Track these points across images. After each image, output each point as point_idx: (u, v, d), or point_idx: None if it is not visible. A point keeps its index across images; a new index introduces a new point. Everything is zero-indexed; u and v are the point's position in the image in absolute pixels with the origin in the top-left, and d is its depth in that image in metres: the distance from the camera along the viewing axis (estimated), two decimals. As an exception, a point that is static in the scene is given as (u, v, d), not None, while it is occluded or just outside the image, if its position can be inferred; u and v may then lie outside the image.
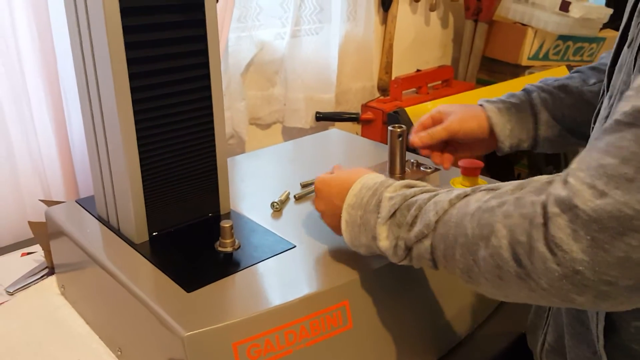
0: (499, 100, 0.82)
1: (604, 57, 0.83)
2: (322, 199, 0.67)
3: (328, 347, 0.62)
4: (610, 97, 0.59)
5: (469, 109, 0.81)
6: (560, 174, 0.46)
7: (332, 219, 0.66)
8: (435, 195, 0.55)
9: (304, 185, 0.83)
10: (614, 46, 0.62)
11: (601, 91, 0.67)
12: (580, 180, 0.42)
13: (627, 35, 0.58)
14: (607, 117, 0.58)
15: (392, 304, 0.68)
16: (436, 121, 0.81)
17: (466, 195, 0.52)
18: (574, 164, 0.45)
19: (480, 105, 0.81)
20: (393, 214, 0.57)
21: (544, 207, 0.44)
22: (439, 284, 0.73)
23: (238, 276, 0.64)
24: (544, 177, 0.48)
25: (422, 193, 0.57)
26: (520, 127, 0.81)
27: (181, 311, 0.58)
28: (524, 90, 0.82)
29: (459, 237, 0.50)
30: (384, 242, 0.58)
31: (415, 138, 0.80)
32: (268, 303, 0.60)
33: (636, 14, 0.56)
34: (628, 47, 0.56)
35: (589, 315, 0.58)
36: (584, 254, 0.41)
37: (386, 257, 0.59)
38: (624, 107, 0.43)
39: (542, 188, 0.46)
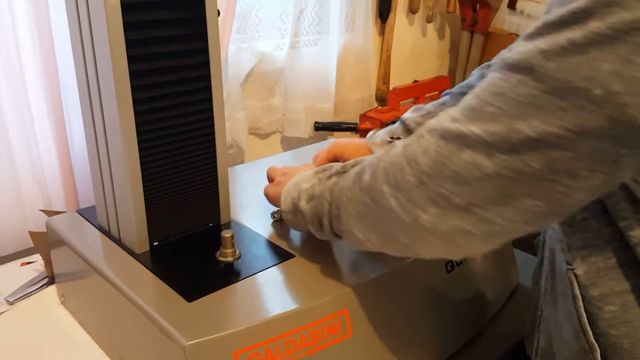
0: (382, 141, 0.88)
1: (474, 75, 0.89)
2: (281, 172, 0.76)
3: (328, 355, 0.62)
4: None
5: (359, 149, 0.89)
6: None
7: (274, 189, 0.73)
8: (342, 166, 0.64)
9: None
10: None
11: None
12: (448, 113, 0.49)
13: None
14: None
15: (391, 313, 0.69)
16: (332, 161, 0.89)
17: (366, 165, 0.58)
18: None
19: (368, 146, 0.89)
20: (312, 185, 0.65)
21: (439, 129, 0.49)
22: (438, 293, 0.74)
23: (239, 286, 0.65)
24: None
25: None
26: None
27: (182, 320, 0.59)
28: (405, 126, 0.88)
29: (355, 188, 0.57)
30: (303, 203, 0.64)
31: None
32: (268, 312, 0.60)
33: None
34: None
35: (571, 311, 0.59)
36: (429, 167, 0.48)
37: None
38: (505, 56, 0.47)
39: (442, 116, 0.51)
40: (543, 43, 0.42)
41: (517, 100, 0.43)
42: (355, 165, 0.61)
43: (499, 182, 0.45)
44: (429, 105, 0.89)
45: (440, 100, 0.89)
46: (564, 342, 0.60)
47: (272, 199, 0.75)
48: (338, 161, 0.83)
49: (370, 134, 0.90)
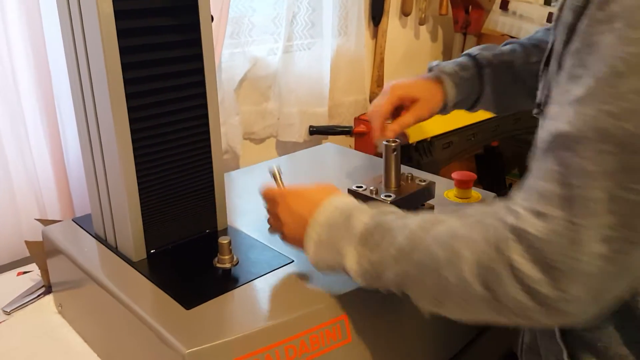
0: (455, 72, 0.82)
1: (540, 32, 0.87)
2: (290, 210, 0.65)
3: (328, 361, 0.62)
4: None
5: (430, 90, 0.81)
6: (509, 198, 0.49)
7: (295, 231, 0.65)
8: (404, 219, 0.56)
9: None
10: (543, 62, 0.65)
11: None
12: (522, 206, 0.45)
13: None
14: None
15: (390, 317, 0.69)
16: (396, 107, 0.82)
17: (435, 219, 0.53)
18: (514, 190, 0.48)
19: (439, 77, 0.82)
20: (363, 236, 0.57)
21: (502, 232, 0.46)
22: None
23: (237, 292, 0.65)
24: (500, 201, 0.50)
25: (393, 215, 0.58)
26: (466, 98, 0.84)
27: (181, 328, 0.58)
28: (476, 62, 0.84)
29: (427, 261, 0.51)
30: (351, 263, 0.58)
31: (389, 132, 0.79)
32: (267, 318, 0.60)
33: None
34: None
35: None
36: (543, 274, 0.44)
37: (351, 279, 0.59)
38: (542, 134, 0.47)
39: (498, 212, 0.48)
40: (604, 104, 0.42)
41: (605, 172, 0.42)
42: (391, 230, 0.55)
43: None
44: (500, 46, 0.86)
45: (506, 46, 0.86)
46: (547, 338, 0.61)
47: (291, 243, 0.67)
48: (402, 106, 0.80)
49: (431, 64, 0.85)
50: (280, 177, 0.71)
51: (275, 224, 0.68)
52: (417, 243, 0.53)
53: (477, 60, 0.83)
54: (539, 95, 0.60)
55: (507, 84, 0.84)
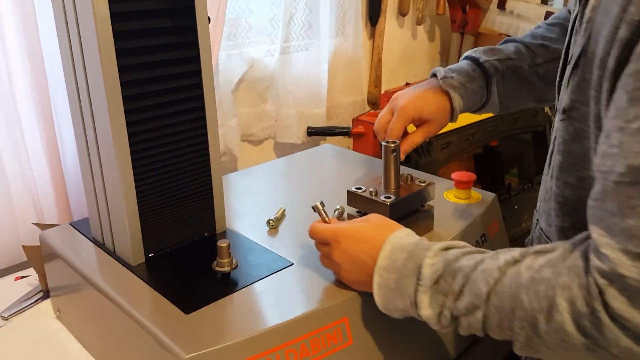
0: (462, 85, 0.81)
1: (541, 27, 0.85)
2: (348, 255, 0.62)
3: (329, 364, 0.62)
4: (559, 112, 0.62)
5: (439, 108, 0.81)
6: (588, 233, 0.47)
7: (356, 275, 0.63)
8: (481, 262, 0.53)
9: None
10: (561, 62, 0.65)
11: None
12: (612, 247, 0.43)
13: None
14: (558, 129, 0.61)
15: (391, 320, 0.68)
16: (408, 123, 0.82)
17: (516, 262, 0.51)
18: (594, 231, 0.45)
19: (446, 91, 0.80)
20: (436, 281, 0.55)
21: (594, 278, 0.44)
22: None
23: (236, 296, 0.64)
24: (585, 236, 0.48)
25: (464, 256, 0.55)
26: (472, 106, 0.84)
27: (180, 333, 0.58)
28: (483, 70, 0.82)
29: (516, 309, 0.49)
30: (427, 311, 0.55)
31: (401, 155, 0.79)
32: (267, 322, 0.60)
33: (574, 32, 0.58)
34: (568, 64, 0.59)
35: None
36: None
37: (427, 323, 0.57)
38: (615, 166, 0.44)
39: (589, 251, 0.46)
40: None
41: None
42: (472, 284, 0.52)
43: None
44: (504, 48, 0.84)
45: (510, 47, 0.84)
46: None
47: (352, 286, 0.65)
48: (416, 122, 0.80)
49: (438, 72, 0.82)
50: (324, 211, 0.68)
51: (330, 265, 0.66)
52: (500, 290, 0.50)
53: (484, 68, 0.82)
54: (565, 99, 0.57)
55: (514, 89, 0.84)
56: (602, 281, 0.44)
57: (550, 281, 0.47)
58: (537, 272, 0.49)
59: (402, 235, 0.61)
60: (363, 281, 0.62)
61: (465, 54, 0.85)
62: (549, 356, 0.50)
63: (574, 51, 0.57)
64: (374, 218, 0.65)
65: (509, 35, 1.86)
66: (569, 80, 0.57)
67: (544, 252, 0.50)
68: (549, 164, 0.65)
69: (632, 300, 0.42)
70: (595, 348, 0.45)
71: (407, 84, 1.72)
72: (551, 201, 0.63)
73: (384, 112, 0.82)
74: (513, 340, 0.52)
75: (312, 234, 0.66)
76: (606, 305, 0.43)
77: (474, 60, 0.83)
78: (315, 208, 0.68)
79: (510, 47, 0.84)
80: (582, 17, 0.55)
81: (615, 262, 0.43)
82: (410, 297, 0.56)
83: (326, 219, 0.68)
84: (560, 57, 0.82)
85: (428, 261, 0.56)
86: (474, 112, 0.86)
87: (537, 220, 0.70)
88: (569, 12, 0.83)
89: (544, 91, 0.84)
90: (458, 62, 0.86)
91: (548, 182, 0.65)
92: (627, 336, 0.43)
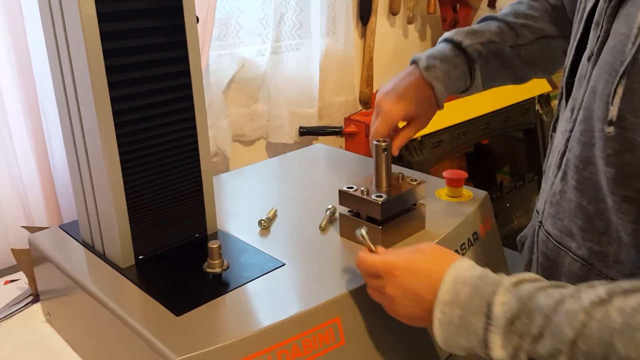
0: (445, 74, 0.78)
1: (523, 3, 0.83)
2: (404, 289, 0.58)
3: (321, 365, 0.61)
4: (572, 110, 0.60)
5: (424, 102, 0.79)
6: None
7: (412, 311, 0.58)
8: (561, 302, 0.48)
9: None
10: (571, 55, 0.63)
11: (560, 101, 0.68)
12: None
13: (585, 45, 0.59)
14: (571, 130, 0.59)
15: (383, 319, 0.68)
16: (395, 126, 0.80)
17: (602, 301, 0.47)
18: None
19: (429, 83, 0.78)
20: (511, 322, 0.50)
21: None
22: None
23: (228, 297, 0.64)
24: None
25: (539, 292, 0.50)
26: (454, 91, 0.82)
27: (171, 335, 0.57)
28: (466, 56, 0.80)
29: (609, 356, 0.45)
30: (499, 352, 0.50)
31: (394, 150, 0.80)
32: (259, 323, 0.59)
33: (593, 26, 0.57)
34: (588, 60, 0.57)
35: None
36: None
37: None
38: None
39: None
40: None
41: None
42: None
43: None
44: (485, 28, 0.81)
45: (492, 26, 0.82)
46: None
47: (407, 322, 0.60)
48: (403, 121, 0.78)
49: (419, 60, 0.79)
50: (369, 240, 0.64)
51: (382, 300, 0.61)
52: (589, 335, 0.46)
53: (467, 53, 0.80)
54: (614, 110, 0.52)
55: (496, 72, 0.83)
56: None
57: None
58: (630, 316, 0.45)
59: (464, 267, 0.56)
60: (421, 317, 0.57)
61: (445, 36, 0.82)
62: None
63: (593, 46, 0.55)
64: (428, 248, 0.60)
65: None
66: (614, 91, 0.51)
67: (636, 291, 0.46)
68: (558, 166, 0.62)
69: None
70: None
71: (399, 83, 1.72)
72: (562, 205, 0.60)
73: (373, 118, 0.81)
74: None
75: (361, 266, 0.62)
76: None
77: (455, 44, 0.80)
78: (360, 236, 0.64)
79: (492, 27, 0.82)
80: (605, 13, 0.54)
81: None
82: (478, 337, 0.52)
83: (372, 248, 0.63)
84: (542, 36, 0.80)
85: (499, 299, 0.51)
86: (456, 94, 0.85)
87: (540, 223, 0.66)
88: None
89: (524, 71, 0.83)
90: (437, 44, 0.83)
91: (557, 185, 0.62)
92: None
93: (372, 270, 0.61)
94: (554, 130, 0.70)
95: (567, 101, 0.64)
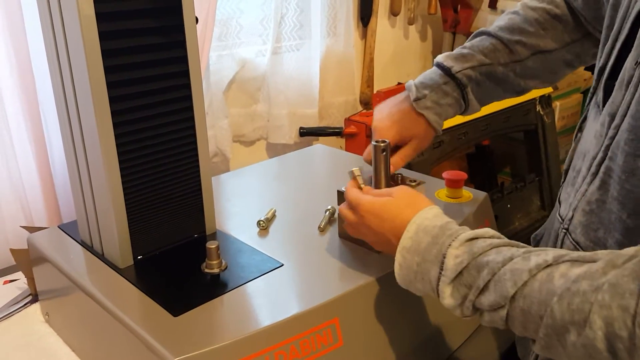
0: (436, 103, 0.79)
1: (517, 19, 0.80)
2: (373, 232, 0.63)
3: (319, 366, 0.61)
4: (612, 115, 0.57)
5: (419, 126, 0.79)
6: None
7: (381, 247, 0.64)
8: (510, 260, 0.51)
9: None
10: (612, 56, 0.61)
11: (590, 102, 0.66)
12: None
13: (629, 47, 0.56)
14: (606, 135, 0.57)
15: (382, 320, 0.68)
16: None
17: (547, 265, 0.49)
18: None
19: (420, 114, 0.78)
20: (460, 273, 0.54)
21: None
22: (429, 298, 0.73)
23: (226, 298, 0.64)
24: (636, 253, 0.46)
25: (491, 249, 0.53)
26: (451, 116, 0.82)
27: (169, 336, 0.57)
28: (456, 82, 0.79)
29: (544, 316, 0.48)
30: (448, 300, 0.55)
31: (392, 168, 0.78)
32: (257, 324, 0.59)
33: None
34: (635, 64, 0.54)
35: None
36: None
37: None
38: None
39: (638, 273, 0.44)
40: None
41: None
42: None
43: None
44: (478, 47, 0.80)
45: (486, 43, 0.80)
46: None
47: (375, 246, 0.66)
48: (400, 144, 0.78)
49: (410, 90, 0.79)
50: (360, 179, 0.69)
51: (356, 234, 0.67)
52: (529, 293, 0.49)
53: (457, 80, 0.79)
54: None
55: (491, 91, 0.82)
56: None
57: (587, 295, 0.45)
58: (573, 282, 0.46)
59: (429, 216, 0.59)
60: (389, 252, 0.62)
61: (437, 60, 0.81)
62: (562, 358, 0.49)
63: None
64: (401, 192, 0.64)
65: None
66: None
67: (582, 262, 0.48)
68: (594, 173, 0.59)
69: None
70: None
71: (399, 84, 1.72)
72: (599, 216, 0.58)
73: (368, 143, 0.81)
74: (534, 340, 0.50)
75: (346, 197, 0.68)
76: None
77: (445, 70, 0.79)
78: (350, 174, 0.69)
79: (484, 45, 0.80)
80: None
81: None
82: (432, 284, 0.56)
83: (360, 185, 0.69)
84: (537, 52, 0.79)
85: (452, 252, 0.55)
86: (454, 116, 0.84)
87: (566, 230, 0.64)
88: None
89: (522, 83, 0.82)
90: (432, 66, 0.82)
91: (593, 194, 0.59)
92: None
93: (354, 202, 0.66)
94: (580, 130, 0.68)
95: (603, 104, 0.61)
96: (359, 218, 0.65)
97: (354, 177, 0.69)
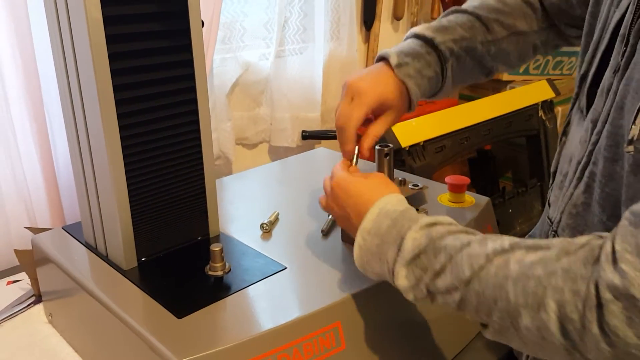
0: (418, 73, 0.72)
1: (486, 0, 0.78)
2: (338, 205, 0.65)
3: (321, 369, 0.62)
4: (594, 122, 0.58)
5: (398, 96, 0.71)
6: (603, 241, 0.45)
7: (343, 224, 0.66)
8: (467, 245, 0.52)
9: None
10: (594, 65, 0.62)
11: (573, 107, 0.67)
12: (632, 266, 0.42)
13: (609, 57, 0.58)
14: (589, 141, 0.58)
15: (384, 323, 0.68)
16: (369, 114, 0.72)
17: (504, 251, 0.50)
18: (619, 244, 0.43)
19: (403, 81, 0.71)
20: (417, 256, 0.55)
21: (597, 288, 0.43)
22: (429, 304, 0.73)
23: (229, 300, 0.64)
24: (588, 242, 0.47)
25: (449, 235, 0.54)
26: (426, 92, 0.76)
27: (173, 338, 0.58)
28: (439, 54, 0.73)
29: (498, 300, 0.49)
30: (402, 281, 0.56)
31: (365, 152, 0.72)
32: (260, 327, 0.59)
33: (619, 38, 0.56)
34: (614, 73, 0.56)
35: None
36: (638, 338, 0.41)
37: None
38: None
39: (589, 259, 0.45)
40: None
41: None
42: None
43: None
44: (456, 21, 0.75)
45: (463, 19, 0.76)
46: None
47: (345, 228, 0.67)
48: (376, 111, 0.71)
49: (389, 56, 0.72)
50: (354, 158, 0.71)
51: (325, 208, 0.69)
52: (484, 277, 0.50)
53: (439, 50, 0.73)
54: (636, 129, 0.52)
55: (467, 70, 0.78)
56: (607, 295, 0.42)
57: (541, 279, 0.46)
58: (528, 268, 0.48)
59: (392, 201, 0.60)
60: (349, 229, 0.64)
61: (414, 31, 0.75)
62: (518, 345, 0.50)
63: (618, 59, 0.55)
64: (375, 177, 0.65)
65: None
66: (638, 110, 0.51)
67: (537, 249, 0.49)
68: (579, 178, 0.61)
69: (630, 321, 0.42)
70: (572, 350, 0.45)
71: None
72: (584, 218, 0.60)
73: (344, 103, 0.71)
74: (485, 325, 0.52)
75: (333, 169, 0.69)
76: (601, 318, 0.43)
77: (426, 41, 0.73)
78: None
79: (462, 20, 0.76)
80: (632, 26, 0.53)
81: (632, 281, 0.41)
82: (388, 265, 0.57)
83: (349, 164, 0.70)
84: (514, 32, 0.77)
85: (411, 234, 0.56)
86: (427, 98, 0.79)
87: (555, 232, 0.66)
88: None
89: (492, 66, 0.79)
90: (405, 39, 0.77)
91: (578, 197, 0.61)
92: (610, 347, 0.43)
93: (331, 175, 0.67)
94: (565, 134, 0.69)
95: (587, 110, 0.62)
96: (330, 189, 0.66)
97: (350, 157, 0.70)
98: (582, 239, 0.48)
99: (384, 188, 0.63)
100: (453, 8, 0.79)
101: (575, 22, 0.76)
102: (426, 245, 0.55)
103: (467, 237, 0.54)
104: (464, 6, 0.78)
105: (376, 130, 0.72)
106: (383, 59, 0.73)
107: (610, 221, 0.56)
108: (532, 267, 0.47)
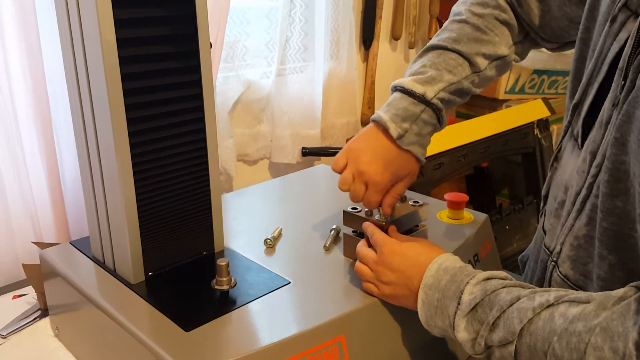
0: (418, 137, 0.74)
1: (462, 27, 0.77)
2: (392, 269, 0.66)
3: (325, 381, 0.63)
4: (593, 153, 0.59)
5: (409, 163, 0.75)
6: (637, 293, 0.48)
7: (397, 289, 0.66)
8: (517, 299, 0.56)
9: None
10: (590, 96, 0.62)
11: (565, 134, 0.68)
12: None
13: (606, 88, 0.58)
14: (589, 172, 0.59)
15: (387, 337, 0.70)
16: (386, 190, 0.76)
17: (549, 305, 0.53)
18: None
19: (408, 150, 0.74)
20: (473, 308, 0.58)
21: (636, 345, 0.45)
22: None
23: (235, 314, 0.66)
24: (625, 294, 0.50)
25: (502, 288, 0.58)
26: (428, 143, 0.78)
27: (180, 350, 0.59)
28: (433, 110, 0.74)
29: (547, 353, 0.52)
30: (462, 334, 0.59)
31: (387, 209, 0.76)
32: (266, 340, 0.61)
33: (617, 72, 0.57)
34: (612, 106, 0.56)
35: None
36: None
37: (461, 345, 0.60)
38: None
39: (626, 314, 0.47)
40: None
41: None
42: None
43: None
44: (441, 68, 0.74)
45: (446, 59, 0.75)
46: None
47: (392, 302, 0.68)
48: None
49: (388, 127, 0.72)
50: (386, 217, 0.76)
51: (369, 276, 0.69)
52: (533, 330, 0.53)
53: (432, 104, 0.73)
54: None
55: (456, 105, 0.79)
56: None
57: (582, 336, 0.49)
58: (570, 323, 0.51)
59: (450, 258, 0.65)
60: (403, 296, 0.66)
61: (402, 86, 0.74)
62: None
63: (620, 96, 0.55)
64: (423, 240, 0.70)
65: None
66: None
67: (578, 302, 0.52)
68: (579, 210, 0.62)
69: None
70: None
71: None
72: (588, 250, 0.61)
73: (357, 186, 0.74)
74: None
75: (365, 229, 0.73)
76: None
77: (418, 98, 0.73)
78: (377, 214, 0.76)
79: (446, 61, 0.75)
80: (630, 61, 0.54)
81: None
82: (449, 319, 0.60)
83: (382, 223, 0.75)
84: (496, 59, 0.77)
85: (469, 288, 0.59)
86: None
87: (555, 263, 0.66)
88: None
89: (474, 91, 0.79)
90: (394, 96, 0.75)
91: (580, 229, 0.62)
92: None
93: (375, 242, 0.70)
94: (557, 159, 0.70)
95: (582, 139, 0.63)
96: (382, 256, 0.68)
97: (379, 218, 0.75)
98: (618, 292, 0.51)
99: (437, 249, 0.68)
100: (429, 45, 0.78)
101: (551, 38, 0.79)
102: (482, 298, 0.58)
103: (518, 291, 0.57)
104: (442, 42, 0.76)
105: (399, 190, 0.77)
106: (377, 123, 0.74)
107: (612, 255, 0.58)
108: (574, 323, 0.50)
